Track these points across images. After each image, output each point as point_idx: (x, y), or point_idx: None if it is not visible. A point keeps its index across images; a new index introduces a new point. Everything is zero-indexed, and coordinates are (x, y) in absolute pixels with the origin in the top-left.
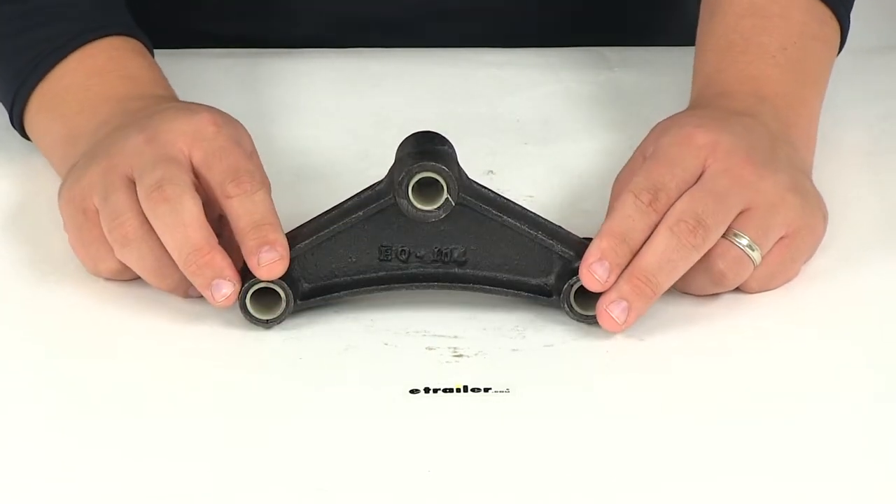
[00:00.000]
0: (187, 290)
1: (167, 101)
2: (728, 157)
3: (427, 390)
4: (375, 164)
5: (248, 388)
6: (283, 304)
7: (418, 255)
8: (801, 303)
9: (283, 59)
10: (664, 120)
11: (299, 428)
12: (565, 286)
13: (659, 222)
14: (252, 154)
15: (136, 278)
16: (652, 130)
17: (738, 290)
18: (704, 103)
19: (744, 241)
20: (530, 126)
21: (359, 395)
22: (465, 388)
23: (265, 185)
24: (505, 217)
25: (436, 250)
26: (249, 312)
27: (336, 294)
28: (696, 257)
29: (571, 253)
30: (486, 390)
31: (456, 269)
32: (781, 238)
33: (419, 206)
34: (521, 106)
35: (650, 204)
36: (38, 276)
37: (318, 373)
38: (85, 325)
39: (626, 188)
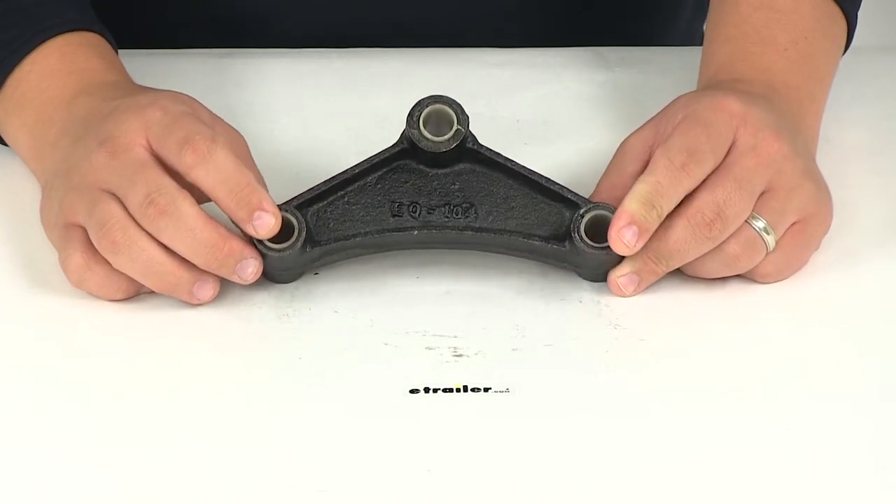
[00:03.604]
0: (191, 291)
1: (117, 87)
2: (757, 131)
3: (427, 390)
4: None
5: (248, 388)
6: (296, 233)
7: (429, 210)
8: (801, 301)
9: (283, 59)
10: (682, 96)
11: (299, 428)
12: (575, 216)
13: (693, 188)
14: (217, 127)
15: (118, 299)
16: (674, 103)
17: (753, 280)
18: (716, 87)
19: (760, 224)
20: (530, 126)
21: (359, 394)
22: (465, 388)
23: (220, 138)
24: (514, 161)
25: (447, 206)
26: (265, 244)
27: (350, 250)
28: (711, 247)
29: (580, 195)
30: (486, 390)
31: (467, 224)
32: (794, 223)
33: (430, 136)
34: (521, 106)
35: (683, 167)
36: (35, 278)
37: (318, 373)
38: (83, 325)
39: (659, 150)
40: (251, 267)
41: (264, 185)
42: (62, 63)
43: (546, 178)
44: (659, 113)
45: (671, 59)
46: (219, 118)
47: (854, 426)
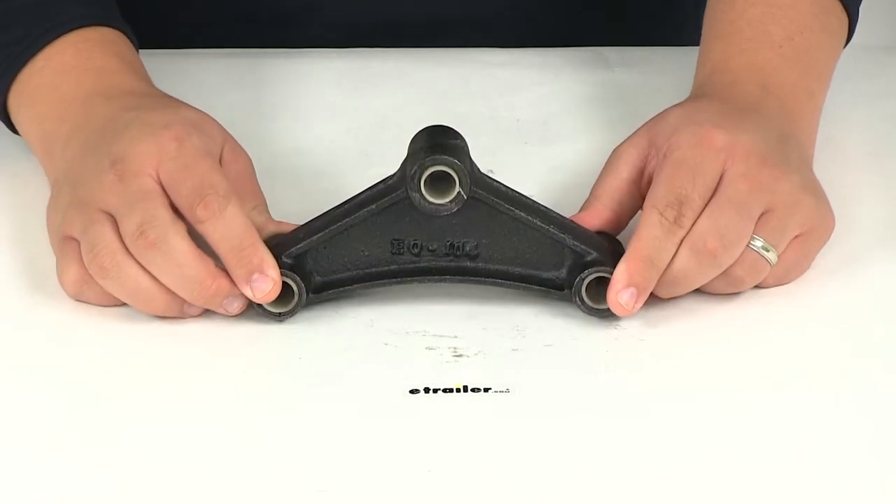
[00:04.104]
0: (182, 310)
1: (135, 94)
2: (747, 160)
3: (427, 390)
4: (375, 164)
5: (248, 388)
6: (296, 297)
7: (430, 248)
8: (802, 302)
9: (284, 59)
10: (675, 108)
11: (299, 428)
12: (577, 280)
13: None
14: (226, 147)
15: (120, 305)
16: (663, 117)
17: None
18: (710, 91)
19: (758, 244)
20: (530, 126)
21: (359, 395)
22: (465, 388)
23: (233, 196)
24: (516, 210)
25: (448, 244)
26: (262, 306)
27: (348, 287)
28: (716, 273)
29: (583, 246)
30: (486, 390)
31: (468, 263)
32: (796, 237)
33: (431, 199)
34: (521, 106)
35: (675, 221)
36: (36, 279)
37: (318, 373)
38: (82, 325)
39: (649, 203)
40: (238, 302)
41: (265, 206)
42: (77, 60)
43: (546, 218)
44: (651, 121)
45: (671, 59)
46: (229, 137)
47: (855, 427)
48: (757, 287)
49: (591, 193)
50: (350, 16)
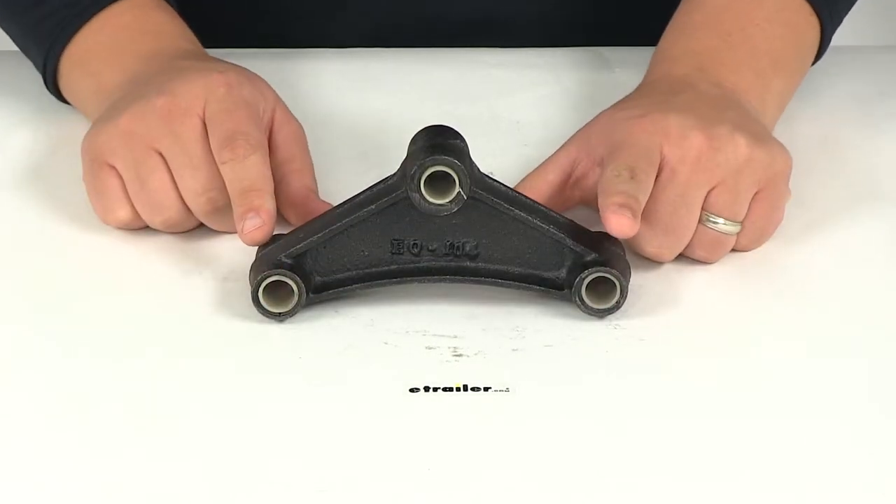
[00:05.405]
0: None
1: (191, 55)
2: (681, 140)
3: (427, 389)
4: (375, 165)
5: (248, 388)
6: (296, 297)
7: (430, 248)
8: (802, 303)
9: (284, 59)
10: (604, 112)
11: (299, 427)
12: (577, 280)
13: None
14: (277, 110)
15: (145, 227)
16: (596, 119)
17: (735, 250)
18: (650, 78)
19: (719, 222)
20: (530, 127)
21: (359, 394)
22: (465, 388)
23: (260, 148)
24: (516, 210)
25: (448, 244)
26: (262, 305)
27: (348, 287)
28: (673, 240)
29: (583, 246)
30: (486, 390)
31: (468, 263)
32: (756, 193)
33: (431, 199)
34: (520, 107)
35: (632, 177)
36: (34, 273)
37: (318, 373)
38: (82, 322)
39: (601, 178)
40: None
41: (312, 173)
42: (136, 22)
43: (546, 218)
44: (582, 128)
45: None
46: (281, 102)
47: (854, 427)
48: (760, 284)
49: (519, 183)
50: (376, 15)
